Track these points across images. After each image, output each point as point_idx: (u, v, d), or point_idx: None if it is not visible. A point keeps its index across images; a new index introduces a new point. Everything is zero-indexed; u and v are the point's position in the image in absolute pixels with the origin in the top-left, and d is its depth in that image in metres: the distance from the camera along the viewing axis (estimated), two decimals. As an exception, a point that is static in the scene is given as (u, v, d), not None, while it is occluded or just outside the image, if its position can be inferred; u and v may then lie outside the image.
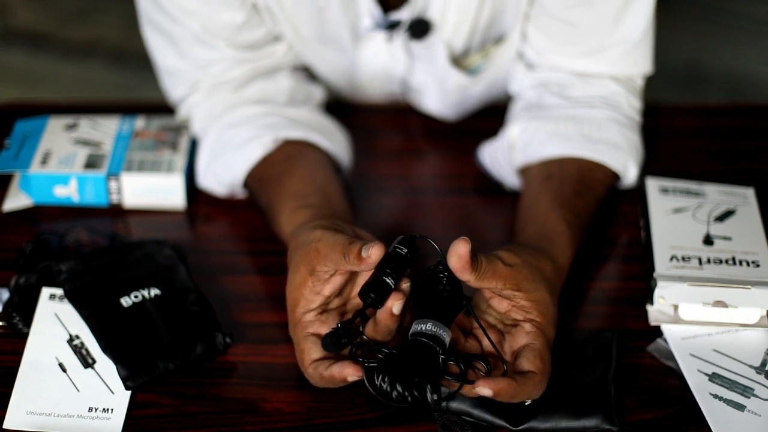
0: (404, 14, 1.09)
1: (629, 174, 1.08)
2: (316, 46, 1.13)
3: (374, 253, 0.80)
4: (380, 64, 1.15)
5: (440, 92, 1.18)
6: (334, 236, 0.84)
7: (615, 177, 1.08)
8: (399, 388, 0.77)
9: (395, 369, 0.78)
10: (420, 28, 1.10)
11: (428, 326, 0.79)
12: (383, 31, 1.11)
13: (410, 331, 0.80)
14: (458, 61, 1.15)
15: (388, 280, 0.80)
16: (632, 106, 1.11)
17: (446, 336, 0.80)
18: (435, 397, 0.77)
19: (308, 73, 1.18)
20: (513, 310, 0.85)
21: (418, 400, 0.77)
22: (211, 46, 1.08)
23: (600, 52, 1.08)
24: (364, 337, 0.82)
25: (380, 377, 0.77)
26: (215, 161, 1.08)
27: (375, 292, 0.81)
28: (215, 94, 1.10)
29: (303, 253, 0.86)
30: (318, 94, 1.16)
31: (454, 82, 1.15)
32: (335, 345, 0.83)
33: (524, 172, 1.09)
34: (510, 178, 1.12)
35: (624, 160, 1.07)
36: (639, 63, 1.10)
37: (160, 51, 1.11)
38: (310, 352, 0.85)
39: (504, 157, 1.11)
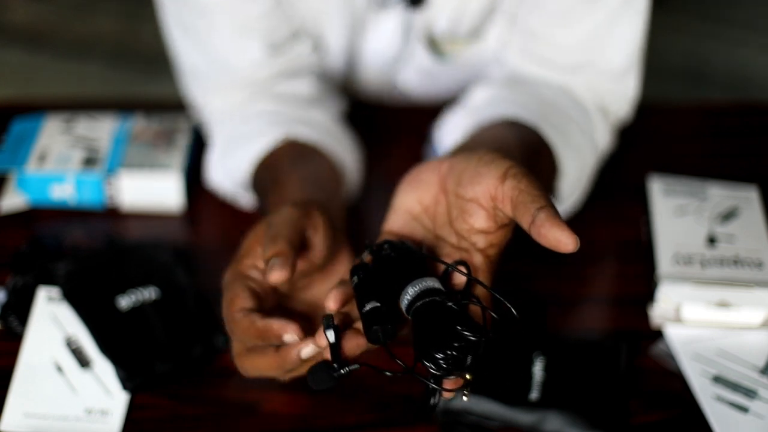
0: None
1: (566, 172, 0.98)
2: (326, 23, 1.10)
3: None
4: (381, 48, 1.13)
5: (411, 68, 1.15)
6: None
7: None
8: (441, 353, 0.64)
9: (426, 344, 0.65)
10: None
11: (414, 289, 0.68)
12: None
13: (405, 308, 0.69)
14: (435, 42, 1.12)
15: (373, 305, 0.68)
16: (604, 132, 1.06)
17: (434, 282, 0.68)
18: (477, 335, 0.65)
19: (331, 84, 1.16)
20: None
21: (464, 347, 0.64)
22: (241, 45, 1.05)
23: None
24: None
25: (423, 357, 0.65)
26: (225, 156, 1.05)
27: (379, 323, 0.68)
28: (234, 94, 1.08)
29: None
30: (338, 105, 1.13)
31: (419, 62, 1.13)
32: (326, 379, 0.69)
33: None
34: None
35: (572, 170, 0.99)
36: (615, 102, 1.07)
37: (186, 53, 1.09)
38: (243, 298, 0.79)
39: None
